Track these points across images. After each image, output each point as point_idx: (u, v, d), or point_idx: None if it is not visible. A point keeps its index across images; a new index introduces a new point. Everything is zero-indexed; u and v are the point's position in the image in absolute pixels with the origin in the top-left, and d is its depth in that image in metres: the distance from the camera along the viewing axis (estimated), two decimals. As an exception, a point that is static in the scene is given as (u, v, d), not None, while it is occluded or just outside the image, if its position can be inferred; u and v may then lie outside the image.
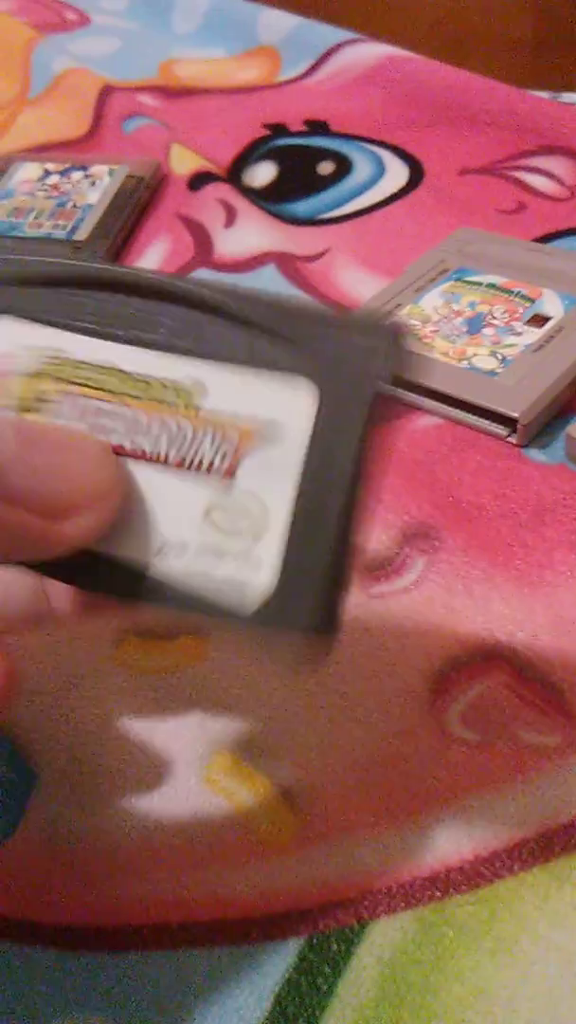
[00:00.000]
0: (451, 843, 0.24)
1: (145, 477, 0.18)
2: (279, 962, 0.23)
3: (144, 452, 0.18)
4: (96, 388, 0.18)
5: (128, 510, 0.18)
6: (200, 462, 0.17)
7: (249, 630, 0.17)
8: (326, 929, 0.23)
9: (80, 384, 0.18)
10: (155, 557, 0.18)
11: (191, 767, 0.26)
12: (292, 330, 0.17)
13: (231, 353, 0.17)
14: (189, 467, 0.17)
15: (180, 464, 0.17)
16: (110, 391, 0.18)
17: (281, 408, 0.17)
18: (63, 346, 0.18)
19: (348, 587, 0.17)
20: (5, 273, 0.18)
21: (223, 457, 0.17)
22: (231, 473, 0.17)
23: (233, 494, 0.17)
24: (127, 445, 0.18)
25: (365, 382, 0.17)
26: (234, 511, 0.17)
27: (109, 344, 0.18)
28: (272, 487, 0.17)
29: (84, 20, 0.69)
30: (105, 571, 0.18)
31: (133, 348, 0.18)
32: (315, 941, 0.23)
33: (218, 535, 0.17)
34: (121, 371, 0.18)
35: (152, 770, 0.26)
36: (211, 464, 0.17)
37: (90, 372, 0.18)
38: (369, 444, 0.17)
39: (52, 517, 0.17)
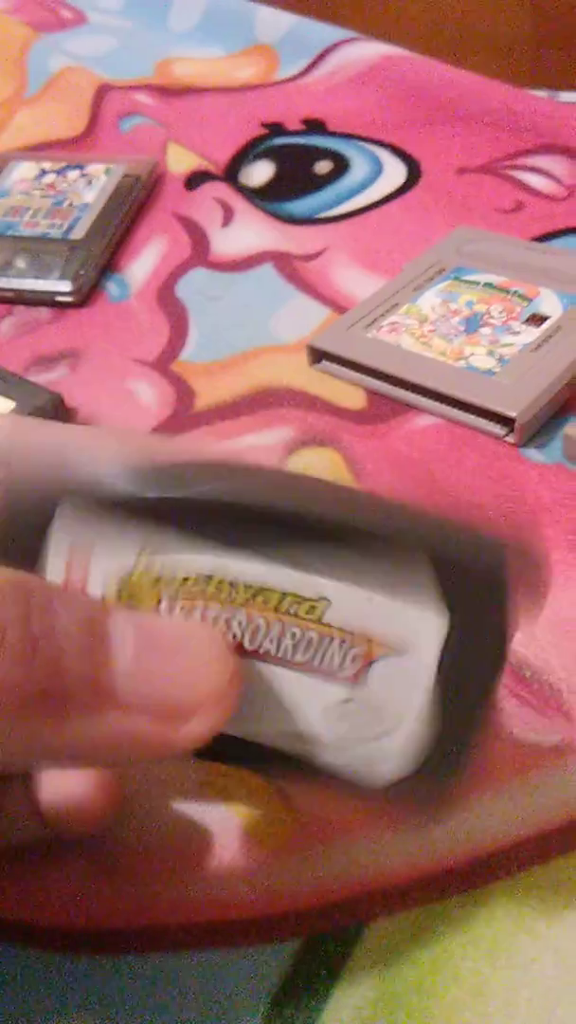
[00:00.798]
0: (448, 845, 0.24)
1: (271, 673, 0.17)
2: (276, 964, 0.23)
3: (268, 652, 0.17)
4: (202, 594, 0.17)
5: (252, 698, 0.18)
6: (327, 665, 0.17)
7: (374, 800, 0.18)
8: (323, 930, 0.23)
9: (181, 586, 0.18)
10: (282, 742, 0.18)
11: (188, 769, 0.26)
12: (418, 540, 0.17)
13: (357, 575, 0.17)
14: (315, 670, 0.17)
15: (306, 666, 0.17)
16: (217, 599, 0.17)
17: (409, 626, 0.17)
18: (161, 553, 0.18)
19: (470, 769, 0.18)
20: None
21: (352, 661, 0.17)
22: (358, 678, 0.17)
23: (364, 694, 0.17)
24: (247, 645, 0.17)
25: (496, 606, 0.17)
26: (365, 710, 0.17)
27: (214, 555, 0.17)
28: (403, 694, 0.17)
29: (80, 19, 0.69)
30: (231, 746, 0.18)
31: (242, 560, 0.17)
32: (312, 943, 0.23)
33: (349, 731, 0.17)
34: (228, 579, 0.17)
35: (149, 772, 0.26)
36: (339, 666, 0.17)
37: (193, 580, 0.17)
38: (501, 662, 0.17)
39: (169, 722, 0.17)
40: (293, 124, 0.55)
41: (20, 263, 0.46)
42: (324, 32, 0.61)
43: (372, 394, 0.37)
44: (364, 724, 0.17)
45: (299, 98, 0.58)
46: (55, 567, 0.18)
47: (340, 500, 0.18)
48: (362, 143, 0.53)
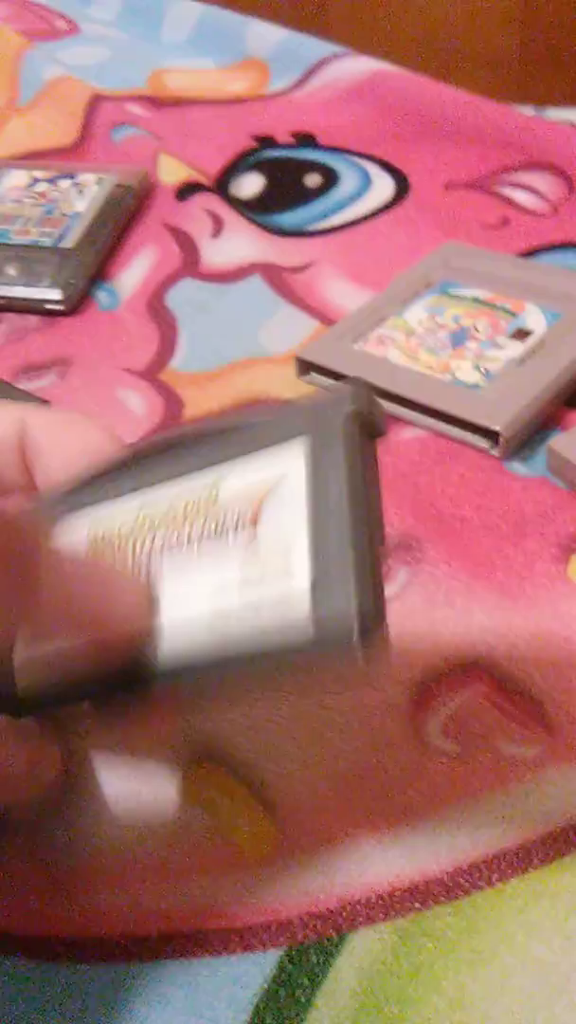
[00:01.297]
0: (430, 854, 0.24)
1: (178, 564, 0.20)
2: (258, 973, 0.23)
3: (181, 543, 0.20)
4: (132, 532, 0.21)
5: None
6: (228, 525, 0.20)
7: (314, 649, 0.18)
8: (305, 940, 0.23)
9: (119, 538, 0.21)
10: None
11: (171, 777, 0.26)
12: (272, 415, 0.21)
13: (230, 453, 0.21)
14: (220, 534, 0.20)
15: (213, 536, 0.20)
16: (144, 527, 0.21)
17: (281, 464, 0.20)
18: (99, 525, 0.22)
19: (382, 584, 0.18)
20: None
21: (244, 515, 0.20)
22: (255, 522, 0.20)
23: (257, 542, 0.19)
24: (170, 543, 0.21)
25: (340, 409, 0.20)
26: (265, 546, 0.19)
27: (134, 496, 0.22)
28: (288, 520, 0.19)
29: (74, 29, 0.70)
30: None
31: (152, 489, 0.22)
32: (294, 952, 0.23)
33: (253, 567, 0.19)
34: (147, 508, 0.21)
35: (133, 780, 0.26)
36: (237, 523, 0.20)
37: (124, 527, 0.21)
38: (362, 458, 0.19)
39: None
40: (283, 137, 0.56)
41: (10, 270, 0.46)
42: (315, 47, 0.62)
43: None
44: (266, 567, 0.19)
45: (289, 112, 0.58)
46: None
47: (215, 421, 0.22)
48: (351, 157, 0.53)
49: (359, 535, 0.18)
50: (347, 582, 0.17)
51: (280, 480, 0.20)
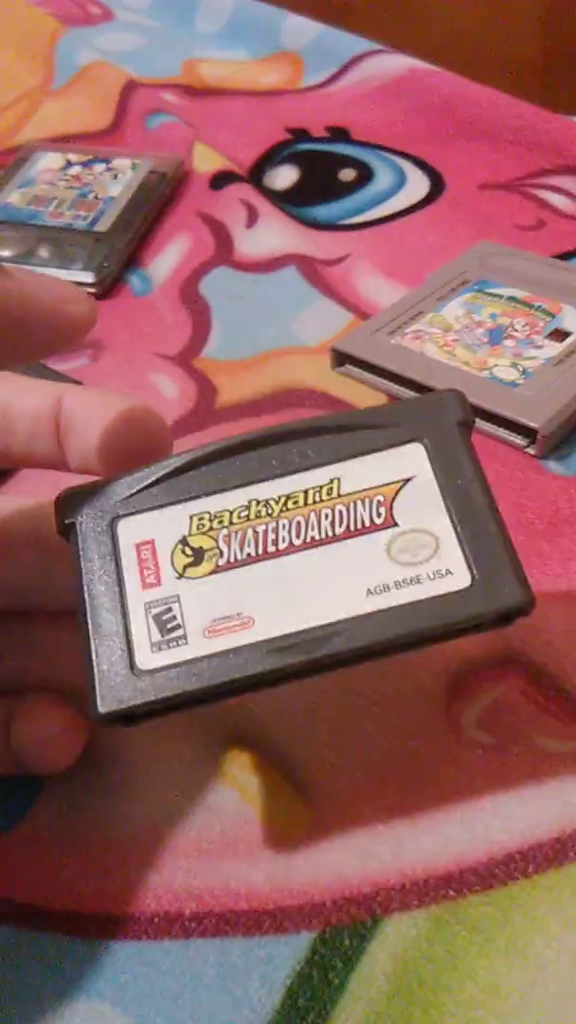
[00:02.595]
0: (465, 843, 0.24)
1: (318, 560, 0.21)
2: (291, 955, 0.23)
3: (314, 539, 0.21)
4: (247, 520, 0.22)
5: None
6: (362, 524, 0.21)
7: (476, 621, 0.20)
8: (338, 923, 0.23)
9: (230, 525, 0.22)
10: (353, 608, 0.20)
11: (205, 759, 0.26)
12: (375, 417, 0.23)
13: (344, 452, 0.22)
14: (354, 533, 0.21)
15: (346, 534, 0.21)
16: (260, 518, 0.22)
17: (404, 467, 0.22)
18: (207, 508, 0.22)
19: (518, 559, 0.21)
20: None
21: (378, 509, 0.21)
22: (391, 522, 0.21)
23: (403, 533, 0.21)
24: (296, 542, 0.21)
25: (449, 417, 0.22)
26: (411, 544, 0.21)
27: (244, 489, 0.22)
28: (429, 516, 0.21)
29: (108, 15, 0.69)
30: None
31: (266, 483, 0.22)
32: (327, 935, 0.23)
33: (407, 567, 0.20)
34: (262, 500, 0.22)
35: (164, 760, 0.26)
36: (371, 519, 0.21)
37: (236, 514, 0.22)
38: (473, 453, 0.22)
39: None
40: (317, 131, 0.56)
41: (43, 252, 0.46)
42: (350, 42, 0.62)
43: (393, 399, 0.37)
44: (417, 558, 0.20)
45: (324, 106, 0.58)
46: (129, 560, 0.22)
47: (316, 418, 0.23)
48: (386, 153, 0.53)
49: (503, 529, 0.21)
50: (507, 572, 0.20)
51: (408, 481, 0.21)
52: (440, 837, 0.24)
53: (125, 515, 0.22)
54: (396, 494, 0.21)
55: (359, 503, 0.21)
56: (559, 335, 0.37)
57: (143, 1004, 0.22)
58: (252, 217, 0.48)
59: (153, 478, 0.22)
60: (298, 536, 0.21)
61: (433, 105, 0.56)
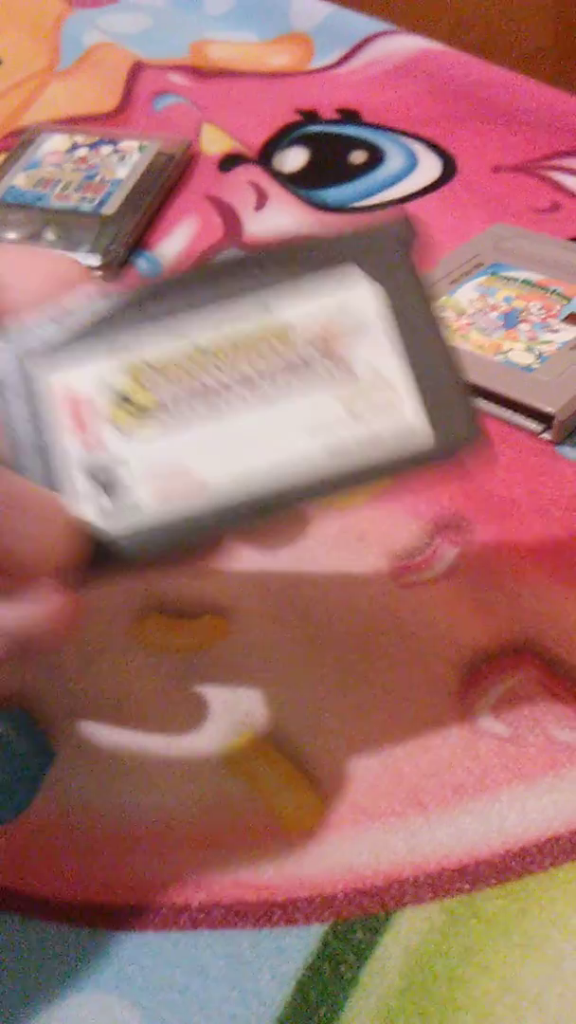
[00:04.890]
0: (480, 835, 0.23)
1: (264, 405, 0.20)
2: (302, 948, 0.22)
3: (260, 384, 0.20)
4: (187, 370, 0.20)
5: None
6: (307, 365, 0.20)
7: (436, 459, 0.20)
8: (350, 916, 0.23)
9: (170, 375, 0.20)
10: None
11: (214, 748, 0.26)
12: (317, 249, 0.21)
13: (287, 290, 0.20)
14: (300, 374, 0.20)
15: (292, 376, 0.20)
16: (201, 366, 0.20)
17: (350, 303, 0.20)
18: (139, 356, 0.20)
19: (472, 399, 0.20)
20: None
21: (330, 356, 0.20)
22: (336, 361, 0.20)
23: (349, 371, 0.20)
24: (241, 389, 0.20)
25: (395, 243, 0.21)
26: (360, 384, 0.20)
27: (182, 334, 0.20)
28: (376, 353, 0.20)
29: (114, -4, 0.68)
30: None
31: (205, 327, 0.20)
32: (339, 928, 0.22)
33: (354, 405, 0.20)
34: (203, 347, 0.20)
35: (172, 750, 0.26)
36: (317, 361, 0.20)
37: (176, 363, 0.20)
38: (422, 282, 0.20)
39: (11, 578, 0.18)
40: (327, 113, 0.55)
41: (49, 235, 0.45)
42: (360, 23, 0.61)
43: (405, 384, 0.36)
44: (364, 392, 0.20)
45: (334, 87, 0.57)
46: (52, 408, 0.20)
47: (254, 252, 0.21)
48: (397, 136, 0.52)
49: (454, 359, 0.20)
50: (456, 404, 0.19)
51: (355, 318, 0.20)
52: (455, 829, 0.23)
53: (50, 366, 0.20)
54: (342, 333, 0.20)
55: (304, 344, 0.20)
56: (575, 318, 0.36)
57: (150, 996, 0.22)
58: (261, 200, 0.47)
59: (80, 325, 0.20)
60: (243, 383, 0.20)
61: (445, 86, 0.55)
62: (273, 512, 0.19)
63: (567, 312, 0.36)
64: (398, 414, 0.19)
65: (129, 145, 0.50)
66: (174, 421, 0.20)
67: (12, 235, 0.45)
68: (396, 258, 0.20)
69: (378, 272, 0.20)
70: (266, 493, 0.19)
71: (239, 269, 0.20)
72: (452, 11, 1.32)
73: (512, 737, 0.25)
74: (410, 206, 0.47)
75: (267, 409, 0.20)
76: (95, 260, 0.44)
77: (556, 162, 0.48)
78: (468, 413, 0.19)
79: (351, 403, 0.20)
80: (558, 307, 0.37)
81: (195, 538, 0.19)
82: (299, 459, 0.19)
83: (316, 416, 0.20)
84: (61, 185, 0.48)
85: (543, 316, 0.36)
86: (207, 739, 0.26)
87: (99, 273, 0.44)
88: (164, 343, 0.20)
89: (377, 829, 0.24)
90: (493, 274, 0.39)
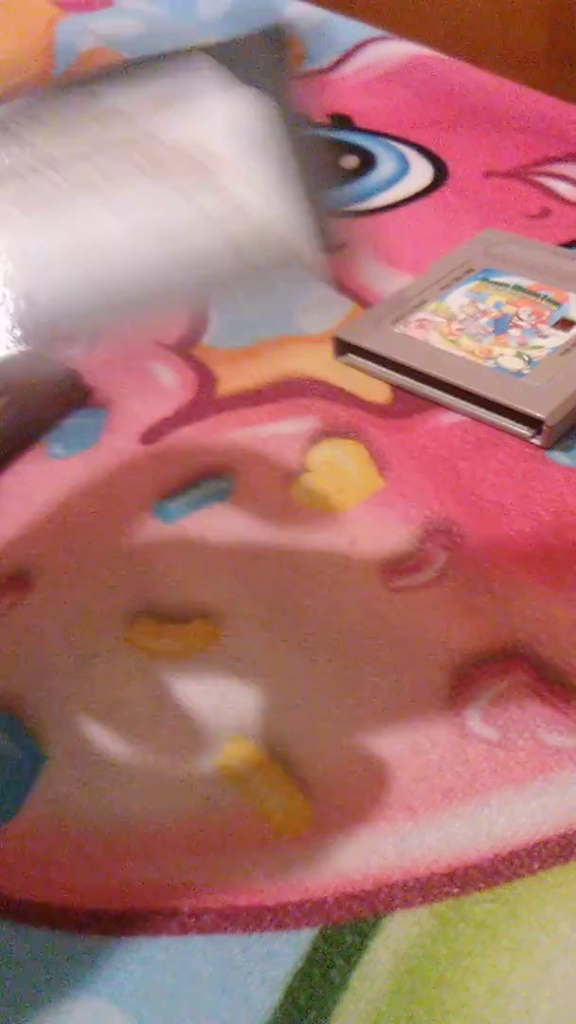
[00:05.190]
0: (470, 840, 0.23)
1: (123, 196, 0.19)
2: (291, 952, 0.22)
3: (124, 193, 0.19)
4: (42, 174, 0.20)
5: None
6: (169, 164, 0.19)
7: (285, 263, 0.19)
8: (340, 920, 0.23)
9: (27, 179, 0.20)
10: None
11: (204, 752, 0.26)
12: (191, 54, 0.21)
13: (154, 85, 0.20)
14: (161, 173, 0.19)
15: (154, 175, 0.19)
16: (59, 171, 0.20)
17: (219, 103, 0.20)
18: None
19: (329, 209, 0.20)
20: None
21: (186, 152, 0.19)
22: (196, 160, 0.19)
23: (210, 175, 0.19)
24: (105, 197, 0.19)
25: (275, 56, 0.20)
26: (220, 187, 0.19)
27: (25, 134, 0.20)
28: (240, 154, 0.20)
29: (107, 1, 0.69)
30: None
31: (62, 121, 0.20)
32: (329, 932, 0.22)
33: (216, 219, 0.19)
34: (52, 155, 0.20)
35: (163, 755, 0.26)
36: (177, 161, 0.19)
37: (28, 165, 0.20)
38: (294, 95, 0.20)
39: None
40: (320, 118, 0.55)
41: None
42: (353, 29, 0.61)
43: (396, 389, 0.36)
44: (223, 200, 0.19)
45: (326, 93, 0.57)
46: None
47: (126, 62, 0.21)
48: (389, 141, 0.52)
49: (314, 166, 0.19)
50: (312, 213, 0.19)
51: (218, 114, 0.20)
52: (444, 834, 0.24)
53: None
54: (206, 137, 0.20)
55: (165, 147, 0.20)
56: (565, 324, 0.36)
57: (141, 1001, 0.22)
58: (253, 204, 0.47)
59: None
60: (94, 184, 0.19)
61: (437, 92, 0.55)
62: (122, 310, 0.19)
63: (557, 317, 0.36)
64: (249, 217, 0.19)
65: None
66: (29, 220, 0.19)
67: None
68: (269, 65, 0.20)
69: (250, 78, 0.20)
70: (112, 292, 0.19)
71: (112, 77, 0.20)
72: (446, 16, 1.32)
73: (501, 741, 0.25)
74: (401, 211, 0.47)
75: (122, 209, 0.19)
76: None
77: (547, 168, 0.49)
78: (322, 222, 0.19)
79: (203, 205, 0.19)
80: (548, 312, 0.37)
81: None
82: (151, 258, 0.19)
83: (168, 216, 0.19)
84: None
85: (533, 321, 0.36)
86: (197, 744, 0.26)
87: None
88: (13, 148, 0.20)
89: (367, 834, 0.24)
90: (484, 279, 0.39)
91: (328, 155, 0.20)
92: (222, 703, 0.27)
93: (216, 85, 0.20)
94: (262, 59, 0.20)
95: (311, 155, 0.20)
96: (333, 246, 0.19)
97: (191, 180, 0.20)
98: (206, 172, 0.20)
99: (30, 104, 0.20)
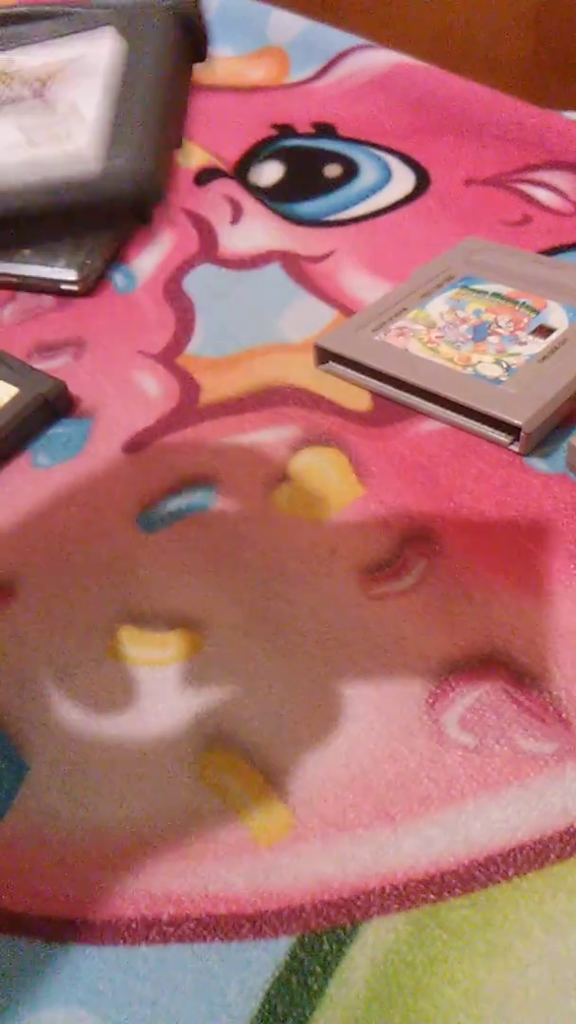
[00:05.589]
0: (446, 846, 0.24)
1: None
2: (270, 960, 0.22)
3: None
4: None
5: None
6: (18, 99, 0.20)
7: (101, 192, 0.19)
8: (318, 928, 0.23)
9: None
10: None
11: (184, 761, 0.26)
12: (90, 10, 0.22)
13: (42, 34, 0.21)
14: (8, 106, 0.20)
15: (8, 102, 0.20)
16: None
17: (85, 48, 0.21)
18: None
19: (168, 165, 0.20)
20: None
21: (34, 87, 0.21)
22: (46, 96, 0.20)
23: (52, 112, 0.20)
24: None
25: (161, 12, 0.21)
26: (51, 124, 0.20)
27: None
28: (82, 95, 0.20)
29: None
30: None
31: None
32: (307, 940, 0.23)
33: (36, 137, 0.20)
34: None
35: (145, 764, 0.26)
36: (28, 96, 0.20)
37: None
38: (174, 56, 0.21)
39: None
40: (303, 127, 0.55)
41: (26, 249, 0.46)
42: (336, 38, 0.62)
43: (377, 397, 0.37)
44: (52, 129, 0.20)
45: (309, 101, 0.58)
46: None
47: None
48: (371, 149, 0.53)
49: (165, 115, 0.20)
50: (142, 150, 0.19)
51: (78, 59, 0.21)
52: (421, 840, 0.24)
53: None
54: (63, 78, 0.20)
55: (20, 85, 0.21)
56: (544, 331, 0.36)
57: (120, 1010, 0.22)
58: (236, 213, 0.48)
59: None
60: None
61: (419, 100, 0.56)
62: None
63: (535, 324, 0.37)
64: (72, 144, 0.19)
65: (105, 160, 0.51)
66: None
67: (-12, 250, 0.46)
68: (158, 25, 0.21)
69: (131, 33, 0.21)
70: None
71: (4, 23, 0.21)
72: (431, 22, 1.33)
73: (478, 747, 0.25)
74: (384, 219, 0.47)
75: None
76: (71, 275, 0.44)
77: (528, 175, 0.49)
78: (151, 161, 0.19)
79: (33, 132, 0.20)
80: (526, 320, 0.37)
81: None
82: None
83: (9, 139, 0.20)
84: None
85: (512, 329, 0.37)
86: (178, 752, 0.26)
87: (75, 288, 0.44)
88: None
89: (345, 841, 0.24)
90: (464, 287, 0.39)
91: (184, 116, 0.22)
92: (203, 711, 0.27)
93: (93, 33, 0.21)
94: (153, 24, 0.21)
95: (162, 108, 0.20)
96: (154, 193, 0.19)
97: (25, 104, 0.20)
98: (40, 99, 0.20)
99: None
